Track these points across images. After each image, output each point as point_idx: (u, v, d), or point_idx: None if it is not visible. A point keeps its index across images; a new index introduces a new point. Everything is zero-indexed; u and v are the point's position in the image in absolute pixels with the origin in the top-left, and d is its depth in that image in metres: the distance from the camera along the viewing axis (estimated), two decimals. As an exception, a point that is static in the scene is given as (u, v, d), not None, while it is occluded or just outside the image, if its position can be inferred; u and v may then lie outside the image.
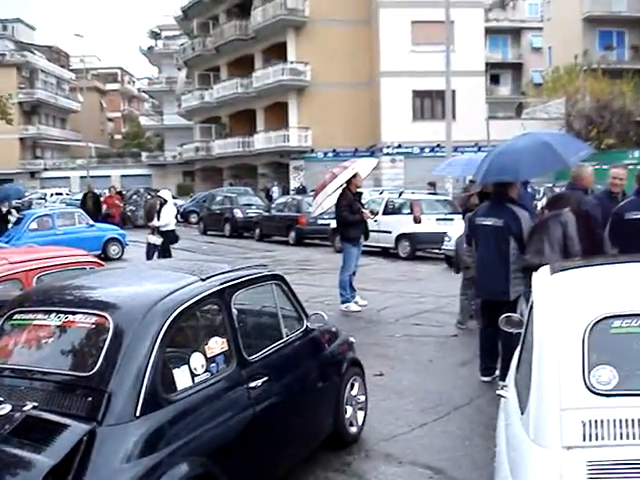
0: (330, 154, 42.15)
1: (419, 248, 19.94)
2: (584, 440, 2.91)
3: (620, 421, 2.90)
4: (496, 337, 7.18)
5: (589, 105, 36.58)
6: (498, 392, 4.11)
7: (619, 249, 6.92)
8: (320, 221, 22.20)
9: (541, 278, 3.94)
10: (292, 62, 43.96)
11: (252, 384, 4.49)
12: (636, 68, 42.67)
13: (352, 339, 6.52)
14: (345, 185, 11.97)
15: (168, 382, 3.92)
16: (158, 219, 15.24)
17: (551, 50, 50.52)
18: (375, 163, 14.81)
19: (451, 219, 18.17)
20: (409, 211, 20.13)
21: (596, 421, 2.93)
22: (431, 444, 6.10)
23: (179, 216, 28.00)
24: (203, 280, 4.52)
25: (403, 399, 7.26)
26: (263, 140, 46.13)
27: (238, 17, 48.66)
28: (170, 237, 15.47)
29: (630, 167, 20.23)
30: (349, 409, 5.97)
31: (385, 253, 20.44)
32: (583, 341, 3.08)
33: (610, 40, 47.00)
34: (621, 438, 2.88)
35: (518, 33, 61.61)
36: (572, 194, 7.67)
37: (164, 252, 15.15)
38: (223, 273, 4.83)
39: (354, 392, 6.09)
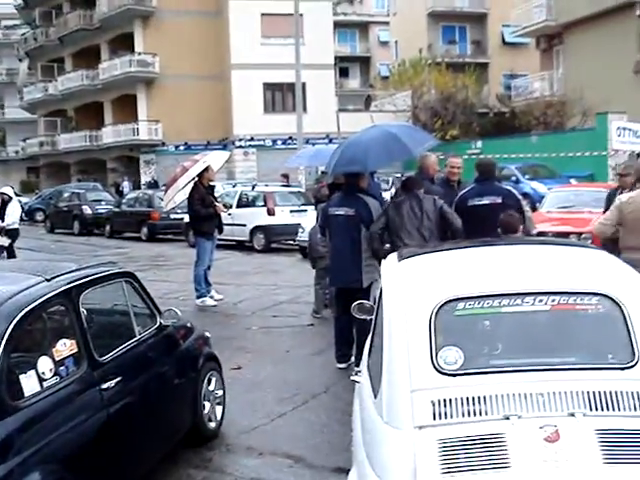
0: (182, 147, 41.49)
1: (274, 240, 20.03)
2: (434, 419, 3.01)
3: (467, 399, 3.02)
4: (351, 324, 7.33)
5: (434, 97, 37.94)
6: (352, 378, 4.19)
7: (464, 235, 7.21)
8: (173, 216, 21.86)
9: (389, 265, 4.05)
10: (140, 53, 42.87)
11: (105, 385, 4.35)
12: (477, 62, 44.67)
13: (208, 334, 6.45)
14: (197, 179, 11.84)
15: (14, 389, 3.72)
16: (2, 219, 14.41)
17: (397, 44, 51.97)
18: (227, 156, 14.73)
19: (305, 210, 18.36)
20: (263, 204, 20.17)
21: (445, 400, 3.03)
22: (290, 433, 6.15)
23: (24, 214, 26.73)
24: (48, 280, 4.32)
25: (261, 391, 7.28)
26: (112, 134, 44.77)
27: (83, 6, 46.89)
28: (14, 236, 14.71)
29: (473, 157, 21.23)
30: (207, 404, 5.91)
31: (240, 246, 20.39)
32: (430, 324, 3.18)
33: (453, 35, 48.94)
34: (469, 415, 3.00)
35: (366, 27, 62.97)
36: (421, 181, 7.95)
37: (10, 253, 14.39)
38: (69, 272, 4.63)
39: (211, 387, 6.03)
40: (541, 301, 3.25)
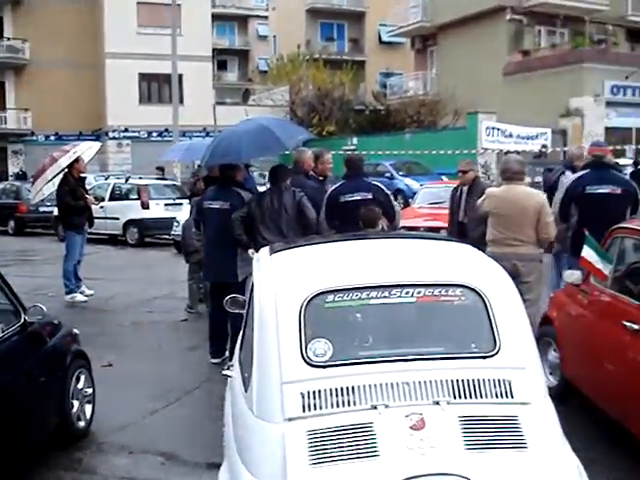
0: (52, 137, 40.02)
1: (148, 234, 19.68)
2: (304, 411, 3.03)
3: (336, 390, 3.05)
4: (225, 319, 7.29)
5: (311, 93, 38.23)
6: (224, 372, 4.16)
7: (337, 229, 7.31)
8: (42, 208, 21.05)
9: (261, 258, 4.05)
10: (9, 39, 41.01)
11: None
12: (355, 59, 45.36)
13: (76, 330, 6.24)
14: (67, 170, 11.43)
15: None
16: None
17: (276, 39, 52.04)
18: (98, 147, 14.27)
19: (180, 204, 18.12)
20: (137, 197, 19.76)
21: (314, 392, 3.05)
22: (163, 430, 6.05)
23: None
24: None
25: (134, 388, 7.11)
26: (-23, 122, 42.61)
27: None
28: None
29: (349, 152, 21.49)
30: (76, 403, 5.72)
31: (113, 240, 19.89)
32: (300, 316, 3.19)
33: (331, 32, 49.51)
34: (337, 406, 3.03)
35: (245, 20, 62.66)
36: (294, 177, 7.99)
37: None
38: None
39: (80, 385, 5.84)
40: (407, 293, 3.31)
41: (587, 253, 5.71)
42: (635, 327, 4.91)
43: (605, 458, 5.10)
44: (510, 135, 22.55)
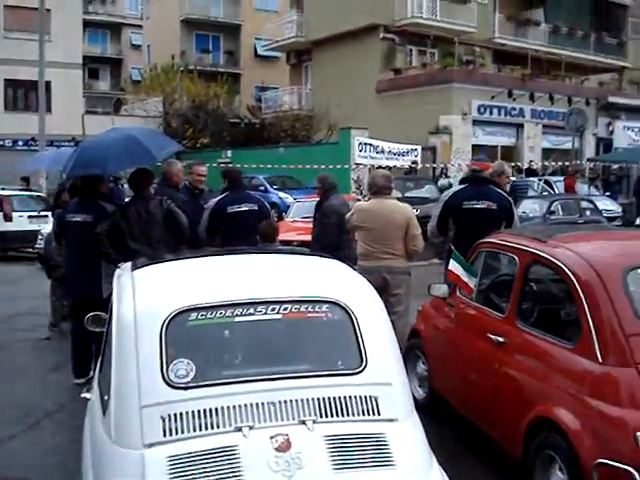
0: None
1: (10, 247, 18.81)
2: (165, 435, 2.89)
3: (198, 412, 2.93)
4: (89, 337, 6.96)
5: (186, 105, 37.76)
6: (83, 394, 3.94)
7: (223, 240, 7.42)
8: None
9: (122, 275, 3.86)
10: None
11: None
12: (230, 72, 45.17)
13: None
14: None
15: None
16: None
17: (150, 48, 51.14)
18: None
19: (45, 216, 17.34)
20: (-1, 208, 18.84)
21: (175, 415, 2.92)
22: (21, 456, 5.71)
23: None
24: None
25: (-11, 411, 6.69)
26: None
27: None
28: None
29: (222, 165, 21.35)
30: None
31: (-28, 254, 18.85)
32: (161, 336, 3.05)
33: (206, 44, 49.08)
34: (200, 429, 2.91)
35: (118, 29, 61.24)
36: (163, 190, 7.79)
37: None
38: None
39: None
40: (273, 310, 3.24)
41: (454, 266, 5.83)
42: (500, 339, 5.03)
43: (472, 472, 5.19)
44: (382, 151, 23.06)
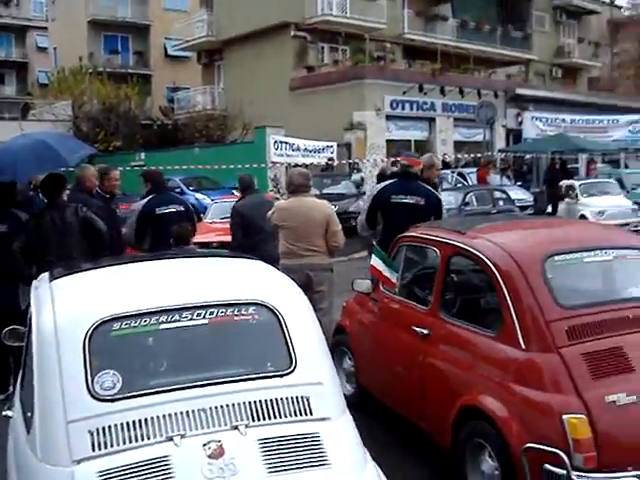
0: None
1: None
2: (94, 450, 2.81)
3: (127, 424, 2.86)
4: (7, 351, 6.71)
5: (96, 108, 36.88)
6: (4, 412, 3.79)
7: (151, 244, 7.53)
8: None
9: (39, 286, 3.73)
10: None
11: None
12: (140, 73, 44.37)
13: None
14: None
15: None
16: None
17: (57, 51, 49.77)
18: None
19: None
20: None
21: (104, 428, 2.85)
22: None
23: None
24: None
25: None
26: None
27: None
28: None
29: (137, 168, 20.98)
30: None
31: None
32: (84, 348, 2.96)
33: (115, 45, 48.05)
34: (130, 441, 2.84)
35: (23, 31, 59.40)
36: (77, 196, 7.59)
37: None
38: None
39: None
40: (199, 315, 3.19)
41: (376, 262, 5.87)
42: (424, 332, 5.09)
43: (404, 465, 5.23)
44: (297, 149, 23.06)
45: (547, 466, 3.85)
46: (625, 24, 50.83)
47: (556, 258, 4.56)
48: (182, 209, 7.92)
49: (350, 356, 6.51)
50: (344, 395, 5.93)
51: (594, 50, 45.85)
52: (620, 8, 52.69)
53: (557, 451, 3.80)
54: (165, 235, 6.93)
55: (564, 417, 3.90)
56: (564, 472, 3.75)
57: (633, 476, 3.84)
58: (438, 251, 5.25)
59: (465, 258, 5.04)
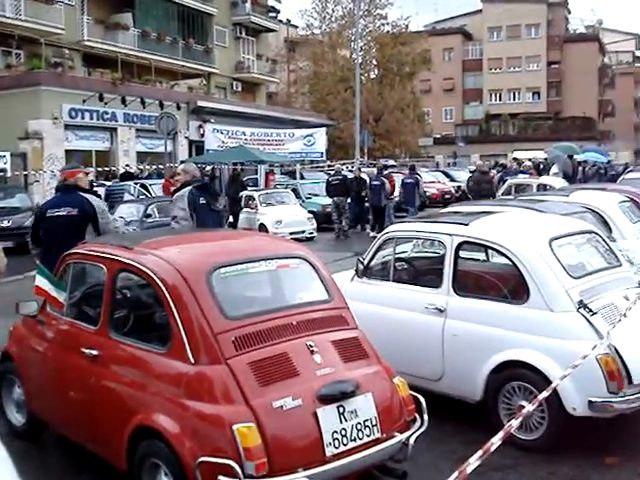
0: None
1: None
2: None
3: None
4: None
5: None
6: None
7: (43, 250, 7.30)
8: None
9: None
10: None
11: None
12: None
13: None
14: None
15: None
16: None
17: None
18: None
19: None
20: None
21: None
22: None
23: None
24: None
25: None
26: None
27: None
28: None
29: None
30: None
31: None
32: None
33: None
34: None
35: None
36: None
37: None
38: None
39: None
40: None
41: (41, 282, 5.51)
42: (94, 353, 4.87)
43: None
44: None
45: (221, 478, 3.86)
46: (301, 43, 54.16)
47: (222, 270, 4.61)
48: (75, 213, 7.34)
49: (19, 384, 6.01)
50: (15, 426, 5.58)
51: (272, 66, 48.15)
52: (296, 27, 55.95)
53: (228, 462, 3.85)
54: (55, 239, 6.65)
55: (234, 427, 3.95)
56: (237, 481, 3.79)
57: (303, 477, 4.00)
58: (105, 268, 5.04)
59: (133, 274, 4.91)
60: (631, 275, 6.61)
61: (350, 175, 23.02)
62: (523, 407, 5.14)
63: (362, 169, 24.51)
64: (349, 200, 21.62)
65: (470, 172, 25.59)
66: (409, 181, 21.97)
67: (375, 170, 22.84)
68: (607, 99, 74.69)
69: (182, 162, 21.92)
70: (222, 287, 4.53)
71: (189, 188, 8.48)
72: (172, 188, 10.07)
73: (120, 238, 6.27)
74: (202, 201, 8.44)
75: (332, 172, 23.88)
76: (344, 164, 33.09)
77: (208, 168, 25.31)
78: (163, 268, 4.58)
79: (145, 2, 34.59)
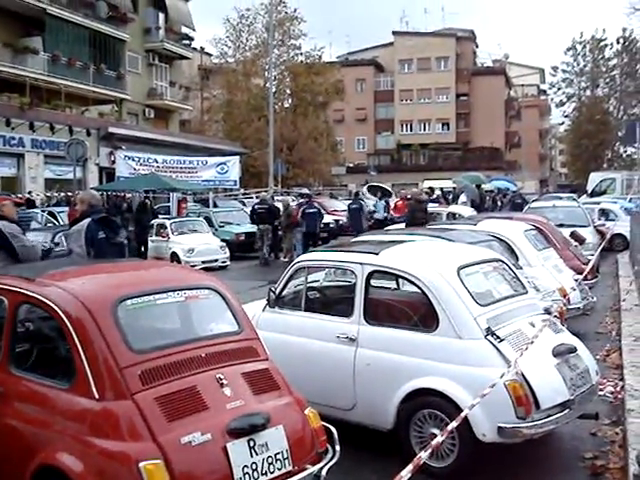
0: None
1: None
2: None
3: None
4: None
5: None
6: None
7: None
8: None
9: None
10: None
11: None
12: None
13: None
14: None
15: None
16: None
17: None
18: None
19: None
20: None
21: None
22: None
23: None
24: None
25: None
26: None
27: None
28: None
29: None
30: None
31: None
32: None
33: None
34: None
35: None
36: None
37: None
38: None
39: None
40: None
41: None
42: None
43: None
44: None
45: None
46: (215, 71, 54.01)
47: (128, 302, 4.49)
48: None
49: None
50: None
51: (185, 94, 47.83)
52: (210, 55, 55.80)
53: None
54: None
55: (141, 465, 3.84)
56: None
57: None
58: (6, 300, 4.83)
59: (35, 306, 4.72)
60: (537, 302, 6.79)
61: (278, 204, 23.29)
62: (435, 435, 5.18)
63: (275, 197, 24.62)
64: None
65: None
66: (355, 206, 22.98)
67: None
68: (513, 130, 77.44)
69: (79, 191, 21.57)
70: (128, 319, 4.41)
71: (87, 222, 8.16)
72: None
73: (21, 269, 6.02)
74: (101, 235, 8.13)
75: (258, 200, 23.86)
76: (258, 192, 33.07)
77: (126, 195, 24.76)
78: (66, 300, 4.42)
79: (56, 26, 33.78)
